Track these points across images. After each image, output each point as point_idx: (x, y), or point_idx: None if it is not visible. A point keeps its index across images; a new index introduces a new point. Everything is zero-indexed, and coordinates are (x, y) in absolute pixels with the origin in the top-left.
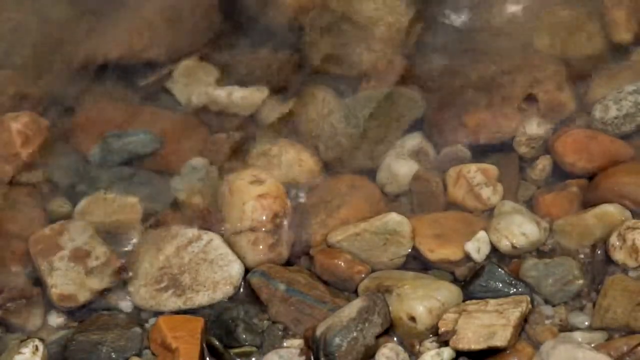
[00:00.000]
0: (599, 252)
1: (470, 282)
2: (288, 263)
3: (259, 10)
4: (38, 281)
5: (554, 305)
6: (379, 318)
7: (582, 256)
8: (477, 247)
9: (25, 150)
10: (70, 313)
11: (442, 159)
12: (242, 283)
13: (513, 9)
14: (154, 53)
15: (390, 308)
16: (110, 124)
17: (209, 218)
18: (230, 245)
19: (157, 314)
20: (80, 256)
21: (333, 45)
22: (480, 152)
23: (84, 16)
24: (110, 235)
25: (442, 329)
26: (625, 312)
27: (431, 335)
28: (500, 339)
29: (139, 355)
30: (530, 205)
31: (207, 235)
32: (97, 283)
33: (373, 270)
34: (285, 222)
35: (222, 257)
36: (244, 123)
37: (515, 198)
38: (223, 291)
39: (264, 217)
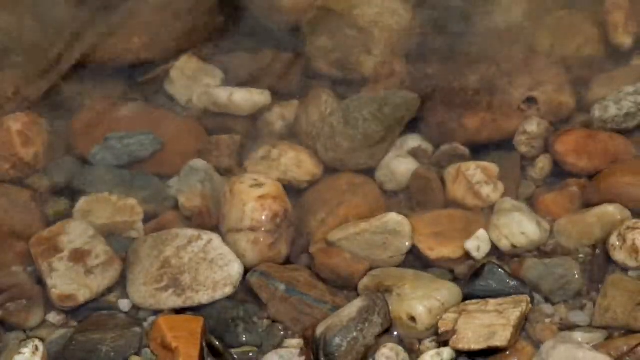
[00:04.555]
0: (599, 252)
1: (470, 282)
2: (288, 262)
3: (260, 12)
4: (38, 281)
5: (554, 305)
6: (379, 318)
7: (582, 256)
8: (477, 245)
9: (25, 151)
10: (70, 313)
11: (441, 158)
12: (242, 283)
13: (513, 11)
14: (153, 54)
15: (390, 308)
16: (110, 125)
17: (208, 218)
18: (230, 245)
19: (157, 313)
20: (80, 256)
21: (334, 47)
22: (480, 152)
23: (85, 16)
24: (110, 235)
25: (442, 329)
26: (625, 312)
27: (431, 335)
28: (500, 339)
29: (138, 354)
30: (531, 204)
31: (207, 235)
32: (97, 283)
33: (373, 269)
34: (285, 222)
35: (222, 257)
36: (244, 124)
37: (516, 197)
38: (223, 291)
39: (264, 217)
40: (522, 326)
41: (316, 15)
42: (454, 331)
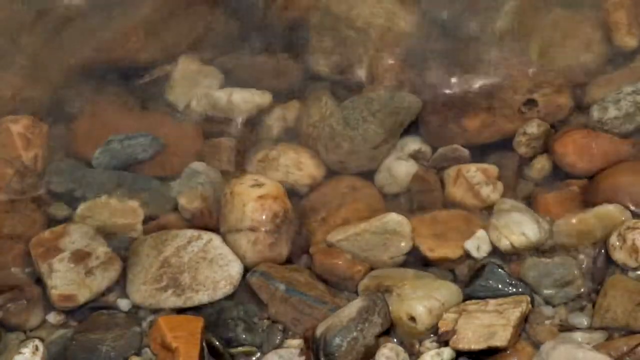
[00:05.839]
0: (599, 252)
1: (470, 282)
2: (288, 262)
3: (260, 13)
4: (38, 281)
5: (554, 306)
6: (379, 318)
7: (582, 256)
8: (477, 245)
9: (26, 153)
10: (70, 313)
11: (441, 159)
12: (242, 283)
13: (512, 11)
14: (153, 55)
15: (390, 308)
16: (110, 127)
17: (209, 220)
18: (230, 245)
19: (157, 313)
20: (80, 257)
21: (333, 49)
22: (480, 153)
23: (84, 17)
24: (110, 237)
25: (442, 329)
26: (625, 312)
27: (431, 335)
28: (500, 339)
29: (138, 354)
30: (531, 205)
31: (207, 235)
32: (97, 283)
33: (373, 270)
34: (285, 222)
35: (221, 257)
36: (244, 126)
37: (516, 198)
38: (223, 291)
39: (264, 217)
40: (522, 326)
41: (316, 16)
42: (454, 331)
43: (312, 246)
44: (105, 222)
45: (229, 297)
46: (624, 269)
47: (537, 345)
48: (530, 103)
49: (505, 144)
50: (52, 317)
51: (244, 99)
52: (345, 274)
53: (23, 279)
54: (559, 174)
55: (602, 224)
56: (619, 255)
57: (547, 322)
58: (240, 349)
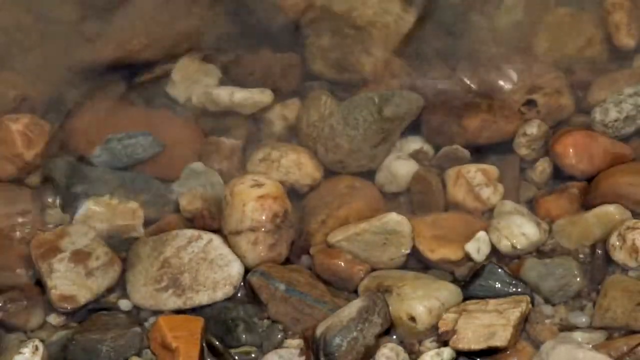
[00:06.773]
0: (599, 252)
1: (470, 282)
2: (288, 262)
3: (259, 12)
4: (38, 282)
5: (554, 305)
6: (379, 318)
7: (582, 256)
8: (477, 247)
9: (27, 152)
10: (70, 313)
11: (441, 160)
12: (242, 283)
13: (513, 11)
14: (153, 54)
15: (390, 308)
16: (111, 126)
17: (210, 221)
18: (230, 245)
19: (157, 313)
20: (80, 258)
21: (333, 47)
22: (480, 154)
23: (84, 17)
24: (110, 237)
25: (442, 329)
26: (625, 312)
27: (431, 335)
28: (500, 339)
29: (138, 355)
30: (531, 206)
31: (207, 235)
32: (97, 284)
33: (373, 270)
34: (285, 222)
35: (222, 257)
36: (244, 125)
37: (516, 199)
38: (223, 291)
39: (264, 218)
40: (522, 326)
41: (315, 15)
42: (454, 331)
43: (312, 246)
44: (105, 222)
45: (229, 297)
46: (624, 269)
47: (537, 345)
48: (531, 103)
49: (505, 144)
50: (53, 318)
51: (244, 98)
52: (345, 274)
53: (23, 279)
54: (559, 175)
55: (601, 224)
56: (619, 255)
57: (547, 321)
58: (240, 349)
